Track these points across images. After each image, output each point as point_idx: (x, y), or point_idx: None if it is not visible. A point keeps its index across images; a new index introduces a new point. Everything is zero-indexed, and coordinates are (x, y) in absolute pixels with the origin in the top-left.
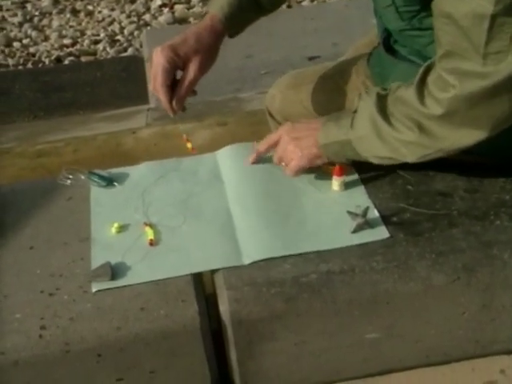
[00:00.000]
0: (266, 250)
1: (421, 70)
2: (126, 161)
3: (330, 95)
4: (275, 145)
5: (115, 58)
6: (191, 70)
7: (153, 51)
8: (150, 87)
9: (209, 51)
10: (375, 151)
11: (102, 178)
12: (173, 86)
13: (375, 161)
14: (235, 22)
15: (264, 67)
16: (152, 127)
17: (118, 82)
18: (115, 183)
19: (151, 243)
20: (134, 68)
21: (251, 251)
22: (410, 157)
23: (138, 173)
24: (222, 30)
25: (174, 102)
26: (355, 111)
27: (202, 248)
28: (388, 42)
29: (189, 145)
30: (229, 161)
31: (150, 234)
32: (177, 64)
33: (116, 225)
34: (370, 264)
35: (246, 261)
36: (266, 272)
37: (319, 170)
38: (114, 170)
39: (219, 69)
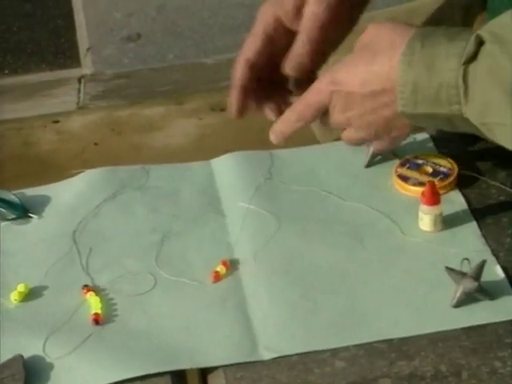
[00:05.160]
0: (299, 339)
1: None
2: (43, 173)
3: None
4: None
5: None
6: (307, 9)
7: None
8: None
9: None
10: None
11: (7, 204)
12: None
13: None
14: None
15: None
16: (90, 112)
17: (21, 20)
18: (31, 214)
19: (96, 320)
20: None
21: (274, 339)
22: None
23: (71, 193)
24: None
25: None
26: (474, 56)
27: (186, 331)
28: None
29: None
30: (233, 178)
31: (94, 304)
32: (286, 25)
33: (21, 287)
34: (491, 364)
35: (266, 355)
36: (300, 374)
37: (391, 189)
38: (30, 191)
39: (212, 7)
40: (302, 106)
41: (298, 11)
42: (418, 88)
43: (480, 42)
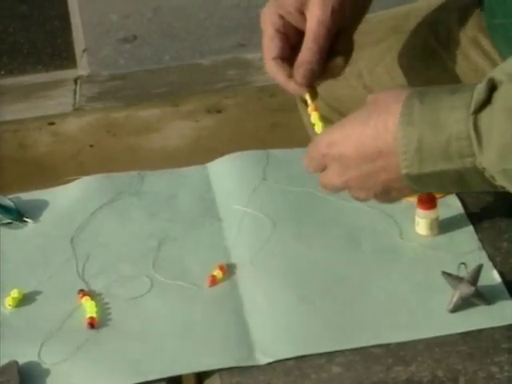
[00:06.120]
0: (295, 343)
1: None
2: (39, 176)
3: (414, 65)
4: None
5: None
6: (312, 15)
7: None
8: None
9: None
10: None
11: (2, 208)
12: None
13: None
14: None
15: None
16: (85, 114)
17: (17, 21)
18: (26, 218)
19: (92, 324)
20: None
21: (270, 343)
22: None
23: (67, 198)
24: None
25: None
26: (486, 102)
27: (182, 335)
28: None
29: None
30: (230, 182)
31: (89, 308)
32: (291, 23)
33: (14, 293)
34: (487, 369)
35: (262, 359)
36: (296, 379)
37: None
38: (26, 195)
39: (209, 9)
40: (305, 157)
41: (300, 12)
42: (423, 146)
43: (492, 87)
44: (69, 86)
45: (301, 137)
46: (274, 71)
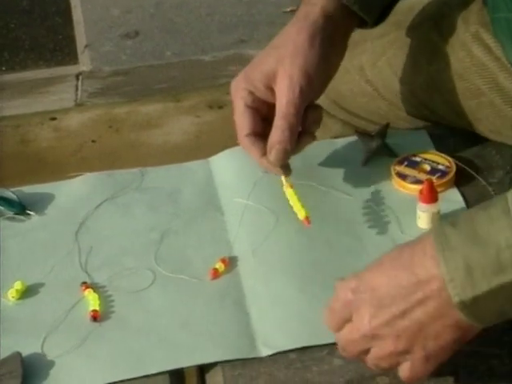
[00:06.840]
0: (297, 335)
1: None
2: (40, 171)
3: (416, 60)
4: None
5: None
6: (281, 94)
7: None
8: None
9: (308, 49)
10: None
11: (5, 201)
12: None
13: None
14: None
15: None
16: (87, 109)
17: (18, 17)
18: (29, 211)
19: (95, 317)
20: None
21: (272, 336)
22: None
23: (70, 192)
24: (344, 18)
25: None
26: None
27: (184, 328)
28: None
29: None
30: (232, 175)
31: (92, 301)
32: (261, 98)
33: (18, 285)
34: (487, 361)
35: (264, 351)
36: (298, 371)
37: (389, 187)
38: (28, 189)
39: (210, 5)
40: (327, 310)
41: (269, 87)
42: (471, 266)
43: None
44: (71, 81)
45: None
46: (248, 148)
